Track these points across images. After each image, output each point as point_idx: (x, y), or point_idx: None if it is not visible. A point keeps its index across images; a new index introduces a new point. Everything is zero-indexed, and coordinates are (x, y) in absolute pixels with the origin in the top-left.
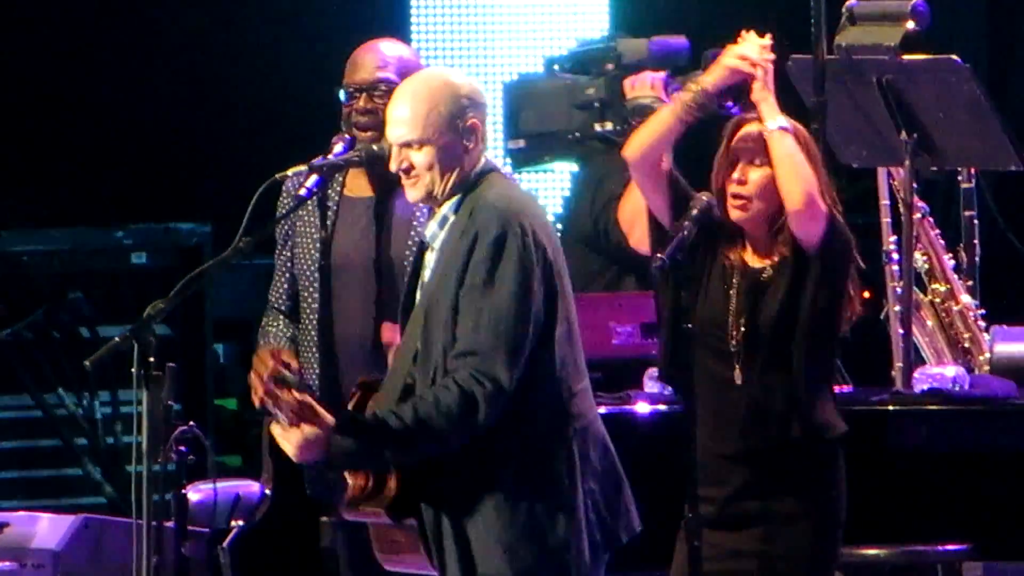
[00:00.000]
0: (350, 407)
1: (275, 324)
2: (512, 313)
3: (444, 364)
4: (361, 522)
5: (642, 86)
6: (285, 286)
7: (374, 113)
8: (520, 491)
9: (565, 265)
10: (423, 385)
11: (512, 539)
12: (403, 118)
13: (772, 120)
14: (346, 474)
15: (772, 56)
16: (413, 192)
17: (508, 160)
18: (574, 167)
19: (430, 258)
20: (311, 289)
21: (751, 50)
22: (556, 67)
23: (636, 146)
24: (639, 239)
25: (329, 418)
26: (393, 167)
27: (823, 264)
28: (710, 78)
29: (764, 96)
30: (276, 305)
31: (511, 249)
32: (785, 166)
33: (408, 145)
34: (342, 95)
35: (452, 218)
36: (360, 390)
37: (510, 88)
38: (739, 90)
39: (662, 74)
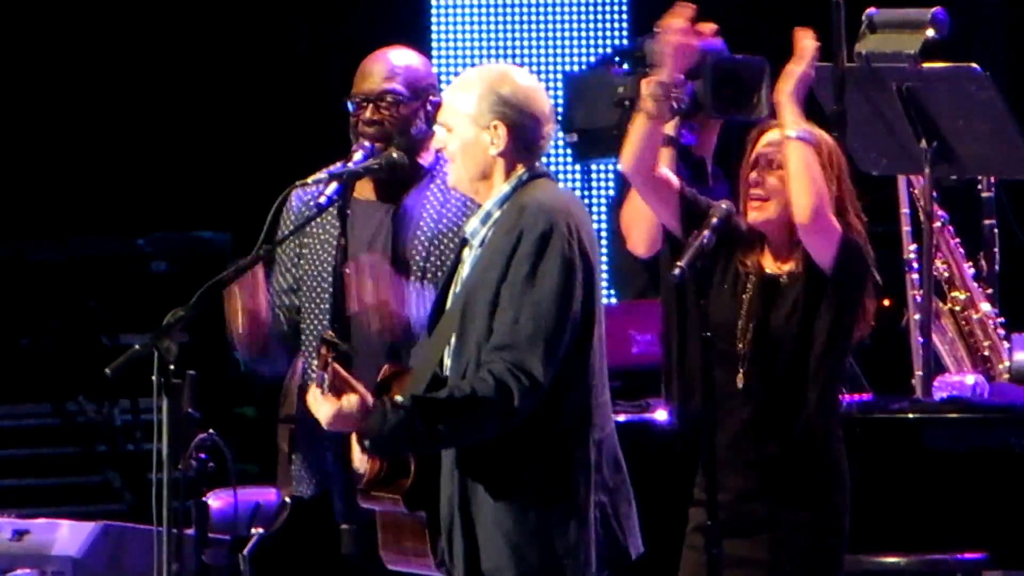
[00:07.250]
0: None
1: None
2: (552, 310)
3: (478, 357)
4: (373, 510)
5: None
6: (289, 278)
7: (380, 124)
8: (535, 493)
9: (600, 278)
10: (456, 378)
11: (520, 539)
12: (443, 101)
13: (791, 128)
14: (364, 459)
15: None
16: (449, 176)
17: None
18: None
19: (468, 255)
20: (319, 291)
21: (667, 22)
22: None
23: (625, 156)
24: (635, 242)
25: (367, 393)
26: (435, 145)
27: (837, 282)
28: (661, 69)
29: (785, 101)
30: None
31: (556, 247)
32: (797, 178)
33: (442, 125)
34: (349, 105)
35: (496, 214)
36: (387, 378)
37: (568, 81)
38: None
39: None
